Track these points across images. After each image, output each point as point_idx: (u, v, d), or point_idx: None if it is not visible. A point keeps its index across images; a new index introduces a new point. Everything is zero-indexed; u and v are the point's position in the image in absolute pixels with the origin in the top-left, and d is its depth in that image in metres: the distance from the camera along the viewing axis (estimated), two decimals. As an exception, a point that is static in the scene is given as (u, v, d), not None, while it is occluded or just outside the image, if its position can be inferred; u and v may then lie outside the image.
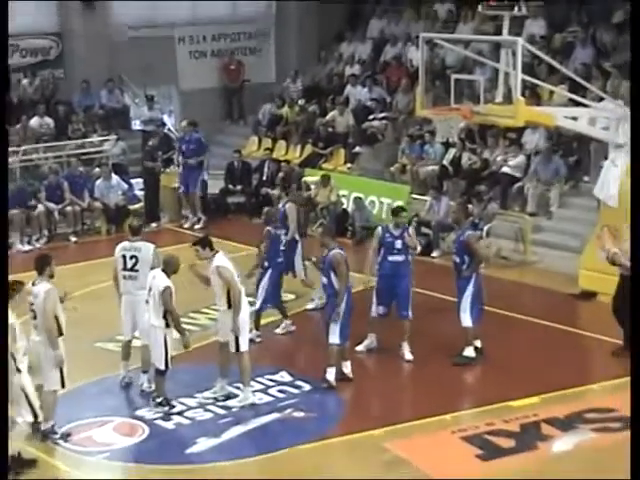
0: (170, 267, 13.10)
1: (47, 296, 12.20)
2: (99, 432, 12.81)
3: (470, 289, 14.92)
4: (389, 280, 15.14)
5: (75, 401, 13.20)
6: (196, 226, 23.05)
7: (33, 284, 12.41)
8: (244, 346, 13.36)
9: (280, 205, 17.65)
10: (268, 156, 25.08)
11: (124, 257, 13.95)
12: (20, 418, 11.65)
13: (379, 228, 15.45)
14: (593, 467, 11.94)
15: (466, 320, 14.93)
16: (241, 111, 29.15)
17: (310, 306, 17.21)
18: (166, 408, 13.20)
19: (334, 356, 13.99)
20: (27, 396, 11.66)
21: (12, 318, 11.41)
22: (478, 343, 15.07)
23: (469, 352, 14.93)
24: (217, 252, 13.50)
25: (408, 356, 14.97)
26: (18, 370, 11.52)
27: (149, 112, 26.65)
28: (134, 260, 13.90)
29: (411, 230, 16.07)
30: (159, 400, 13.24)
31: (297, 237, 16.98)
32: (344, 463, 12.19)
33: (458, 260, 15.14)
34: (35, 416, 11.84)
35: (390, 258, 15.05)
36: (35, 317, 12.32)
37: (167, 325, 12.97)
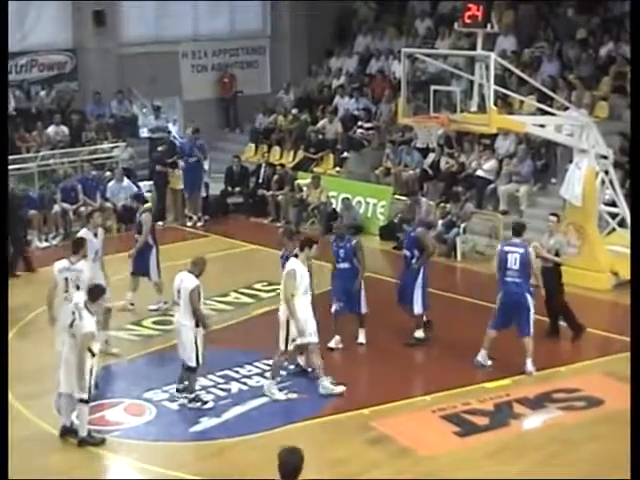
0: (198, 268, 12.88)
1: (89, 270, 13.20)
2: (111, 412, 12.76)
3: (419, 280, 14.90)
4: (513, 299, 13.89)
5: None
6: (198, 224, 23.01)
7: (70, 262, 13.15)
8: None
9: (137, 214, 17.04)
10: (264, 161, 25.07)
11: None
12: (76, 393, 11.60)
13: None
14: (559, 441, 11.96)
15: (418, 308, 14.95)
16: (236, 120, 29.11)
17: (153, 307, 16.63)
18: (198, 404, 12.89)
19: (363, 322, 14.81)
20: (91, 377, 11.58)
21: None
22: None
23: (419, 334, 15.00)
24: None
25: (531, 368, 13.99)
26: (92, 354, 11.54)
27: (156, 121, 26.58)
28: None
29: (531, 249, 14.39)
30: (192, 396, 12.93)
31: (151, 242, 16.55)
32: (334, 440, 12.14)
33: (408, 254, 15.08)
34: (88, 396, 11.62)
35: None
36: (80, 288, 12.78)
37: (197, 324, 12.72)
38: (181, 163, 23.45)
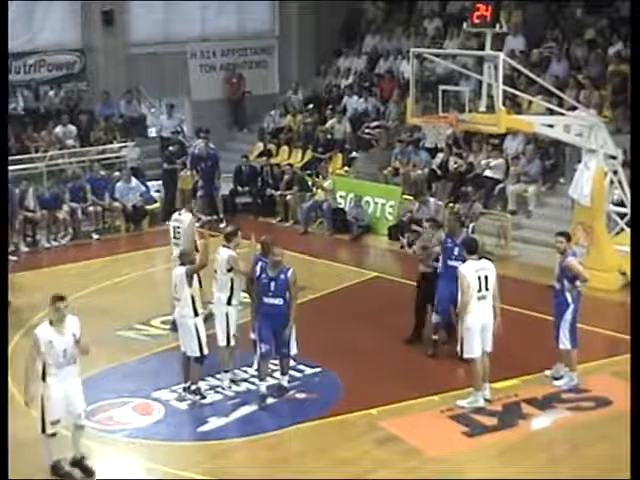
0: (186, 258, 13.02)
1: (190, 223, 15.26)
2: (119, 412, 12.80)
3: None
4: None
5: (98, 384, 13.17)
6: (221, 225, 22.87)
7: (179, 214, 15.52)
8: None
9: None
10: (272, 160, 25.08)
11: None
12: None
13: (573, 258, 13.35)
14: (567, 442, 11.99)
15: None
16: (244, 120, 29.14)
17: None
18: (197, 397, 13.01)
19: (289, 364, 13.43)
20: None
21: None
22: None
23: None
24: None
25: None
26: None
27: (169, 120, 26.51)
28: None
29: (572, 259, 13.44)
30: (193, 388, 13.04)
31: None
32: (342, 440, 12.14)
33: None
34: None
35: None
36: (179, 238, 15.06)
37: (196, 314, 12.85)
38: (193, 163, 23.55)
